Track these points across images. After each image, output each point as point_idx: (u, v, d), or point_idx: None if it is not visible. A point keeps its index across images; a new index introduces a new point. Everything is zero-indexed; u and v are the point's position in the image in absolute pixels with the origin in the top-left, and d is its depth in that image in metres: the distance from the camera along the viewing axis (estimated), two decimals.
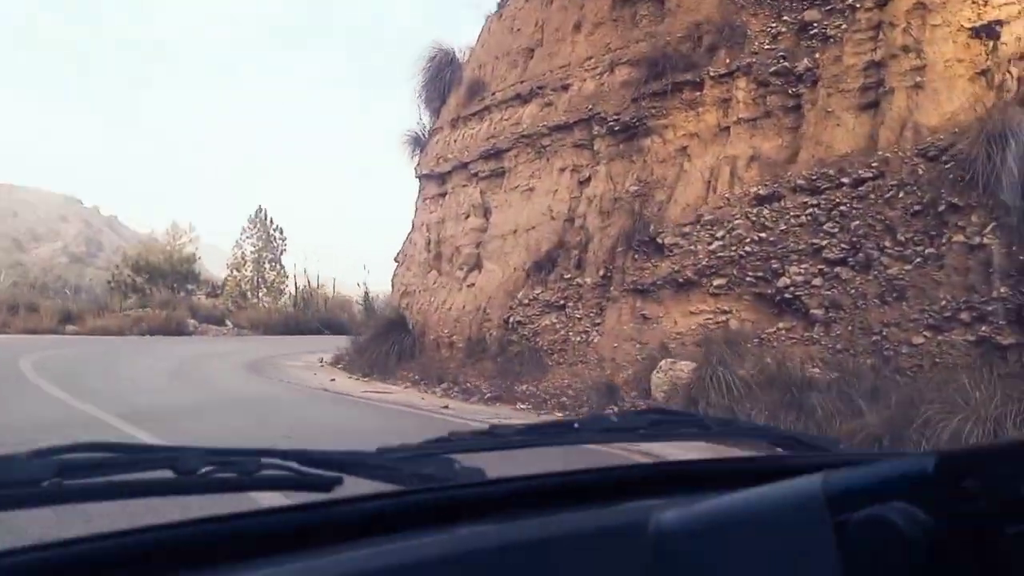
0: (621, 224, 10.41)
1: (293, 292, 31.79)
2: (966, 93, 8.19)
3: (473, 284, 12.56)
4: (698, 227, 9.51)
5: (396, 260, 16.83)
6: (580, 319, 10.22)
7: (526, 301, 10.94)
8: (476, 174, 13.64)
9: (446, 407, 9.47)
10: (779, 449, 1.30)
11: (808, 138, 9.19)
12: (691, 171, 10.16)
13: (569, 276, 10.71)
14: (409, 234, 16.34)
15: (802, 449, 1.23)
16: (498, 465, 1.04)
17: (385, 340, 13.36)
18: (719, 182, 9.73)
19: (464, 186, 13.97)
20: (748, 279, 8.93)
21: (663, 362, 8.52)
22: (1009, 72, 7.77)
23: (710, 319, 9.16)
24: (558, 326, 10.48)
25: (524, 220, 12.01)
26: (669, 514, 0.81)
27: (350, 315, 26.36)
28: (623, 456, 5.11)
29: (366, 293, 22.68)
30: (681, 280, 9.46)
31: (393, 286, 16.71)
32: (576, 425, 1.18)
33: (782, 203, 8.92)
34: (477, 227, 13.10)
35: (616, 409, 8.38)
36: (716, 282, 9.20)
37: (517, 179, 12.60)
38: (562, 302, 10.61)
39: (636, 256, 9.92)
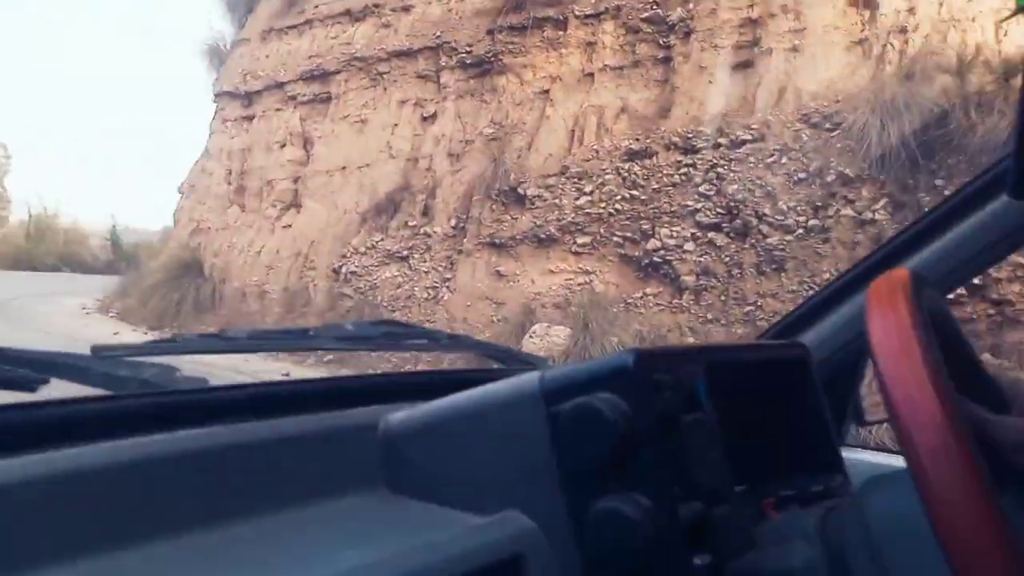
0: (475, 170, 9.37)
1: (26, 220, 26.96)
2: (842, 61, 8.04)
3: (290, 226, 10.94)
4: (563, 179, 8.73)
5: (181, 191, 14.52)
6: (427, 273, 9.11)
7: (362, 249, 9.61)
8: (294, 97, 11.87)
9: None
10: (500, 364, 1.33)
11: (682, 93, 8.68)
12: (554, 118, 9.33)
13: (415, 224, 9.53)
14: (201, 161, 14.09)
15: (517, 363, 1.28)
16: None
17: (175, 287, 11.35)
18: (586, 133, 8.99)
19: (278, 110, 12.14)
20: (615, 239, 8.33)
21: (537, 327, 7.71)
22: (891, 44, 7.67)
23: (571, 280, 8.47)
24: (401, 280, 9.30)
25: (357, 156, 10.57)
26: (397, 415, 0.86)
27: (91, 252, 22.91)
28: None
29: (114, 227, 19.63)
30: (543, 236, 8.66)
31: (176, 221, 14.42)
32: (311, 332, 1.17)
33: (654, 160, 8.37)
34: (296, 159, 11.42)
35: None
36: (581, 240, 8.50)
37: (347, 107, 11.06)
38: (406, 252, 9.42)
39: (494, 207, 8.96)
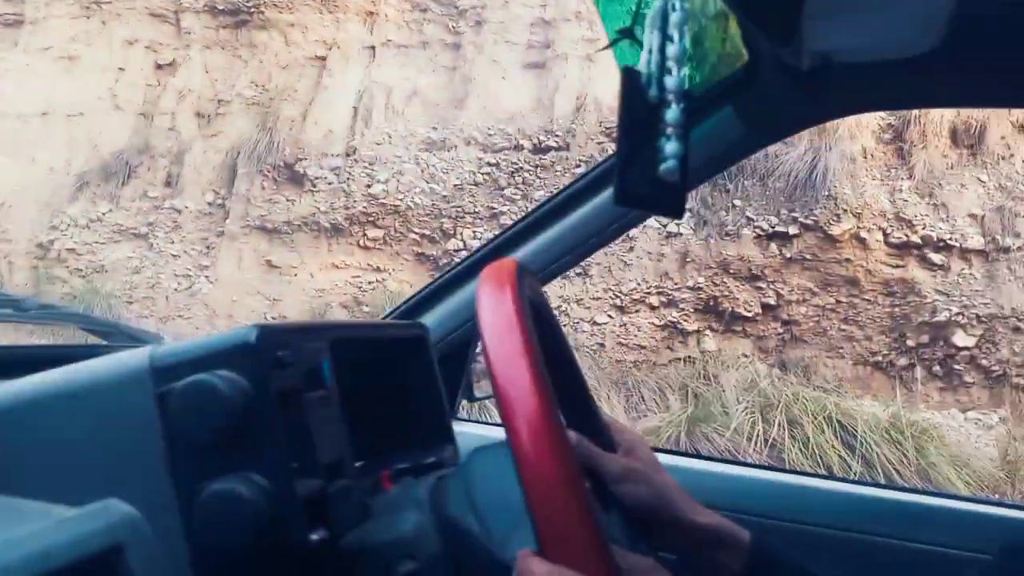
0: (235, 137, 8.00)
1: None
2: None
3: None
4: (352, 161, 7.82)
5: None
6: (177, 257, 7.55)
7: (83, 221, 7.62)
8: None
9: None
10: (101, 339, 1.27)
11: (476, 84, 8.30)
12: (333, 89, 8.32)
13: (156, 195, 7.82)
14: None
15: (122, 339, 1.23)
16: None
17: None
18: (373, 112, 8.16)
19: None
20: (412, 235, 7.70)
21: None
22: None
23: (358, 277, 7.66)
24: (138, 263, 7.58)
25: (65, 101, 8.39)
26: None
27: None
28: None
29: None
30: (327, 224, 7.68)
31: None
32: None
33: (454, 153, 7.89)
34: None
35: None
36: (372, 233, 7.71)
37: (47, 37, 8.74)
38: (145, 230, 7.70)
39: (264, 184, 7.73)
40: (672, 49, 0.55)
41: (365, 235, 7.73)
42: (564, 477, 0.57)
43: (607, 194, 1.16)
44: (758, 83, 1.05)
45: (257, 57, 8.55)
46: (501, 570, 0.65)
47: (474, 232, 7.63)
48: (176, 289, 7.41)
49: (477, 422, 1.48)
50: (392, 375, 1.05)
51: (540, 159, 7.76)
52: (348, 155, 7.88)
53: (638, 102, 0.58)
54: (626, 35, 0.70)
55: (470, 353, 1.32)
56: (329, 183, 7.77)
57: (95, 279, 7.37)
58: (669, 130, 0.57)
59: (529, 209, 1.30)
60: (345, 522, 0.76)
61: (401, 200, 7.71)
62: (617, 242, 7.28)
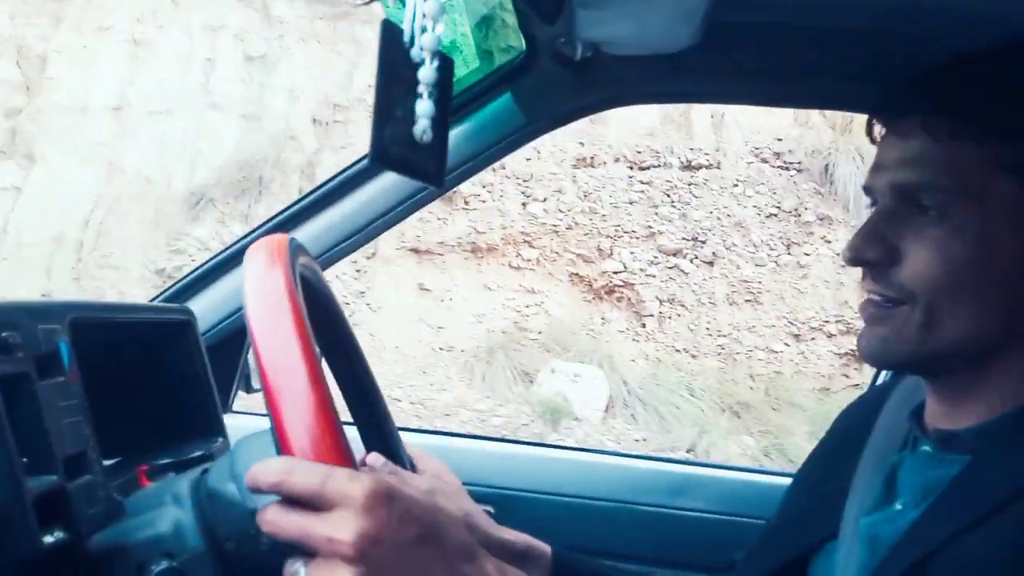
0: (367, 148, 7.17)
1: None
2: None
3: (20, 189, 6.83)
4: (503, 177, 7.29)
5: None
6: (330, 283, 6.64)
7: (215, 245, 6.47)
8: None
9: None
10: None
11: None
12: None
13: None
14: None
15: None
16: None
17: None
18: None
19: None
20: (568, 254, 7.31)
21: (557, 364, 6.30)
22: None
23: (513, 299, 7.18)
24: None
25: (140, 93, 7.12)
26: None
27: None
28: None
29: None
30: (484, 245, 7.12)
31: None
32: None
33: (604, 170, 7.58)
34: (12, 82, 7.17)
35: None
36: (527, 253, 7.24)
37: (103, 15, 7.36)
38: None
39: None
40: (429, 5, 0.55)
41: (519, 255, 7.24)
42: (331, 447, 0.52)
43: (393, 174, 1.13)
44: (534, 71, 1.11)
45: (362, 55, 7.70)
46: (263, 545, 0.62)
47: (632, 252, 7.38)
48: None
49: (257, 415, 1.32)
50: (152, 363, 0.99)
51: (692, 177, 7.63)
52: (495, 170, 7.31)
53: (395, 60, 0.56)
54: None
55: (247, 341, 1.21)
56: (483, 200, 7.18)
57: None
58: (424, 90, 0.57)
59: (310, 190, 1.23)
60: (90, 522, 0.71)
61: (560, 219, 7.29)
62: (787, 269, 7.36)
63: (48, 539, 0.66)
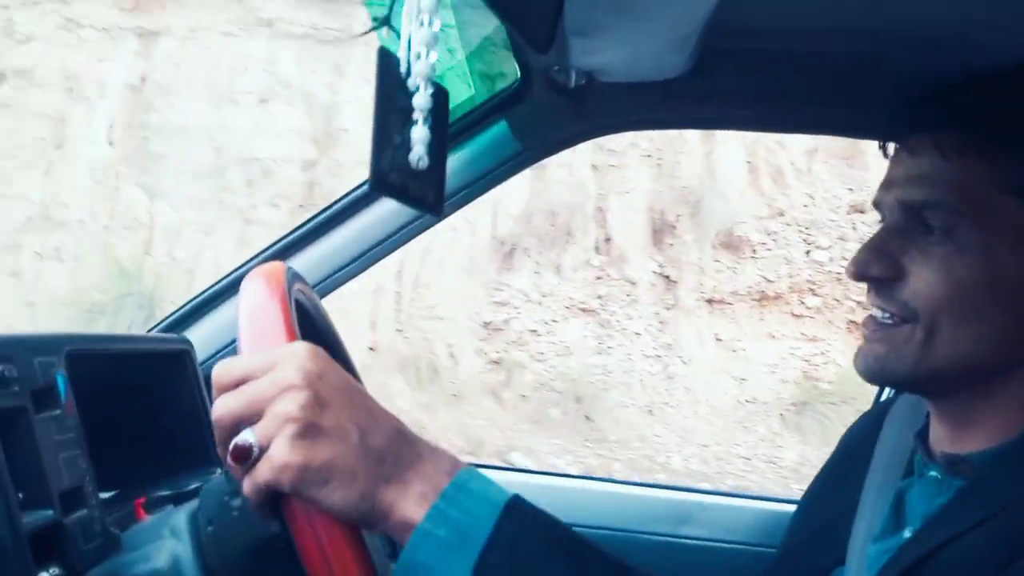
0: (648, 194, 7.22)
1: None
2: None
3: None
4: (784, 224, 7.30)
5: None
6: (639, 335, 6.67)
7: (535, 296, 6.49)
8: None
9: None
10: None
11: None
12: (723, 143, 7.67)
13: (597, 263, 6.84)
14: None
15: None
16: None
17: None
18: (781, 169, 7.64)
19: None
20: (849, 302, 7.32)
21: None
22: None
23: (797, 348, 7.18)
24: (593, 342, 6.64)
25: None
26: None
27: None
28: None
29: None
30: (772, 293, 7.14)
31: None
32: None
33: (875, 215, 7.57)
34: (301, 131, 7.15)
35: None
36: (810, 301, 7.25)
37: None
38: (596, 303, 6.74)
39: (703, 249, 7.03)
40: (423, 33, 0.54)
41: (803, 303, 7.24)
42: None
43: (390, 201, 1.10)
44: (529, 98, 1.10)
45: None
46: (266, 550, 0.61)
47: None
48: (650, 372, 6.54)
49: None
50: (149, 393, 1.00)
51: None
52: (776, 216, 7.32)
53: (391, 88, 0.56)
54: (384, 23, 0.73)
55: None
56: (768, 249, 7.19)
57: (556, 363, 6.33)
58: (419, 116, 0.56)
59: (307, 219, 1.23)
60: (86, 557, 0.70)
61: (842, 266, 7.30)
62: None
63: (44, 575, 0.66)
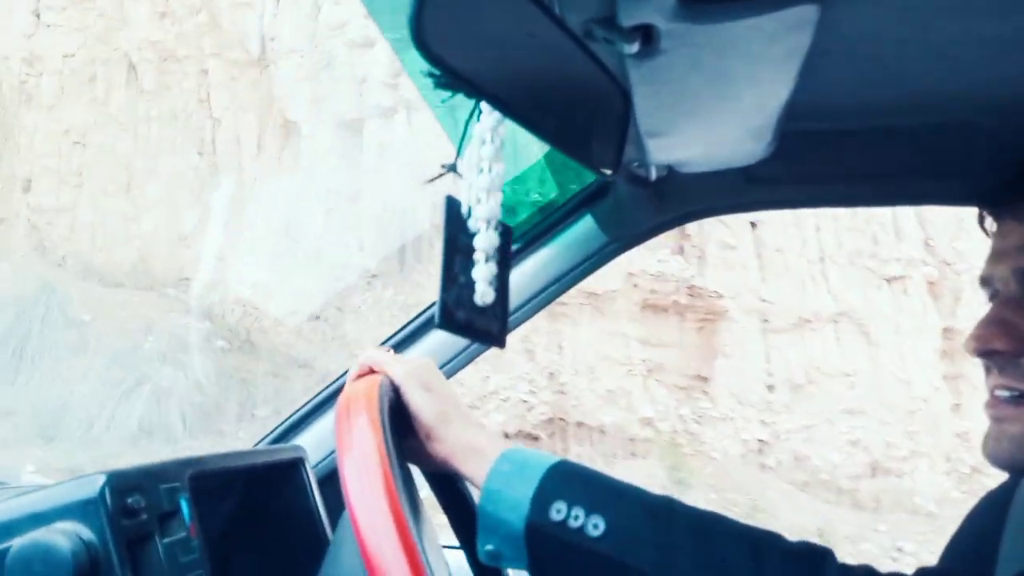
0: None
1: None
2: None
3: None
4: None
5: None
6: None
7: None
8: None
9: None
10: None
11: None
12: None
13: None
14: None
15: None
16: None
17: None
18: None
19: None
20: None
21: None
22: None
23: None
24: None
25: None
26: None
27: None
28: None
29: None
30: None
31: None
32: None
33: None
34: None
35: None
36: None
37: None
38: None
39: None
40: (483, 180, 0.58)
41: None
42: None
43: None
44: (613, 193, 1.15)
45: None
46: None
47: None
48: None
49: None
50: (267, 503, 1.05)
51: None
52: None
53: (456, 230, 0.60)
54: (450, 170, 0.74)
55: None
56: None
57: None
58: (480, 256, 0.60)
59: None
60: None
61: None
62: None
63: None
